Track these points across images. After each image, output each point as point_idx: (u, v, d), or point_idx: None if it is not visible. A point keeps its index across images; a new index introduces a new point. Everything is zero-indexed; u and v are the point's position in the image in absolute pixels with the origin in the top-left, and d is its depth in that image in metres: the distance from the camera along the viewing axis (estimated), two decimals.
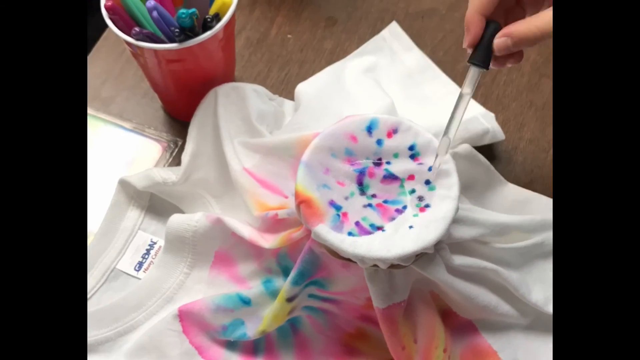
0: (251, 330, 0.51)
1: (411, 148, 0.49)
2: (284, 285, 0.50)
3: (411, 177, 0.48)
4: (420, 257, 0.47)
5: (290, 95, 0.64)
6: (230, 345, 0.52)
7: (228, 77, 0.62)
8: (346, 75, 0.64)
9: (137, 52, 0.56)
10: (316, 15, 0.71)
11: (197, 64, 0.57)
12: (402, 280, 0.48)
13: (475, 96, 0.64)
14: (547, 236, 0.53)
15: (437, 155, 0.48)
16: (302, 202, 0.47)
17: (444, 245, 0.48)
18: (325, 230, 0.46)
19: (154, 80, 0.61)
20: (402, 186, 0.48)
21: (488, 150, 0.61)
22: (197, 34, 0.54)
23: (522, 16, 0.50)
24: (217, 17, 0.55)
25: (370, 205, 0.48)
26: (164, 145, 0.62)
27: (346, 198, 0.48)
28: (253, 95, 0.60)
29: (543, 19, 0.45)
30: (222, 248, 0.54)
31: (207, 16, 0.54)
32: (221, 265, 0.55)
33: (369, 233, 0.46)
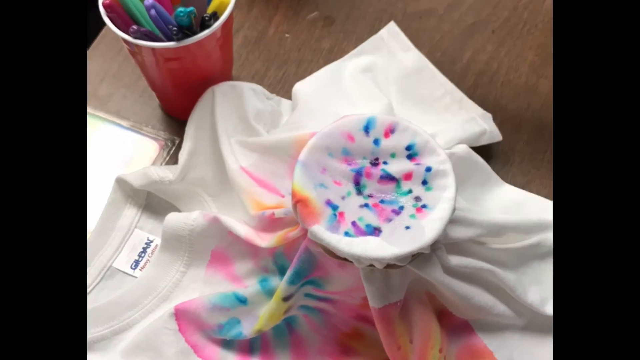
0: (247, 329, 0.51)
1: (409, 148, 0.49)
2: (280, 284, 0.50)
3: (408, 177, 0.48)
4: (417, 257, 0.47)
5: (287, 95, 0.64)
6: (226, 344, 0.52)
7: (225, 76, 0.62)
8: (344, 75, 0.64)
9: (134, 51, 0.56)
10: (314, 14, 0.71)
11: (194, 62, 0.57)
12: (398, 280, 0.48)
13: (472, 97, 0.64)
14: (544, 237, 0.53)
15: None
16: (299, 202, 0.47)
17: (441, 246, 0.48)
18: (321, 230, 0.46)
19: (151, 79, 0.61)
20: (399, 186, 0.48)
21: (485, 151, 0.61)
22: (194, 33, 0.54)
23: None
24: (215, 16, 0.55)
25: (366, 205, 0.47)
26: (161, 144, 0.62)
27: (343, 198, 0.48)
28: (250, 94, 0.60)
29: None
30: (218, 247, 0.54)
31: (205, 15, 0.54)
32: (217, 264, 0.54)
33: (366, 233, 0.46)
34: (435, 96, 0.64)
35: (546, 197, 0.59)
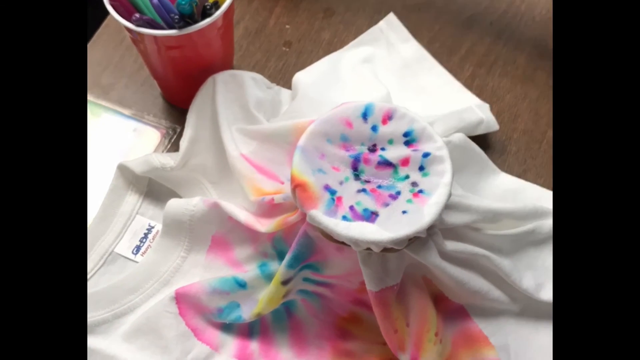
0: (246, 312, 0.52)
1: (406, 134, 0.49)
2: (279, 268, 0.50)
3: (405, 163, 0.49)
4: (414, 242, 0.48)
5: (287, 86, 0.65)
6: (226, 328, 0.53)
7: (226, 65, 0.63)
8: (343, 66, 0.65)
9: (137, 39, 0.56)
10: (314, 6, 0.71)
11: (195, 51, 0.57)
12: (395, 263, 0.49)
13: (470, 87, 0.65)
14: (538, 224, 0.54)
15: None
16: (298, 186, 0.47)
17: (437, 230, 0.49)
18: (319, 214, 0.46)
19: (153, 67, 0.62)
20: (396, 172, 0.49)
21: (482, 140, 0.61)
22: (196, 21, 0.54)
23: None
24: (216, 5, 0.55)
25: (364, 190, 0.48)
26: (163, 132, 0.63)
27: (341, 183, 0.48)
28: (251, 83, 0.60)
29: None
30: (218, 232, 0.55)
31: (206, 3, 0.55)
32: (218, 249, 0.55)
33: (363, 217, 0.47)
34: (434, 86, 0.65)
35: (542, 186, 0.60)
